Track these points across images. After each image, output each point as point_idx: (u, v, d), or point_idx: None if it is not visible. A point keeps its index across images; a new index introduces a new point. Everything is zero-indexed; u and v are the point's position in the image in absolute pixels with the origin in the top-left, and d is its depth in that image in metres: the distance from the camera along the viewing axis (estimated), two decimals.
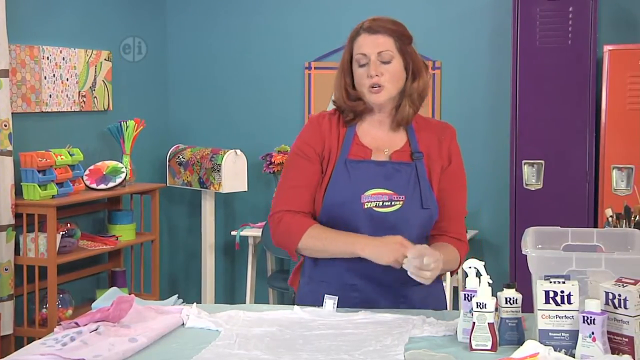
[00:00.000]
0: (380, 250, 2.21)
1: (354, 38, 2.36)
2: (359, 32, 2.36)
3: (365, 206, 2.31)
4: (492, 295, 2.00)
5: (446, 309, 2.45)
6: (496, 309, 2.00)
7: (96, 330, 2.05)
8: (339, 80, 2.40)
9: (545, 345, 1.88)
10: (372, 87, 2.32)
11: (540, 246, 2.15)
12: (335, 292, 2.30)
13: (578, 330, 1.86)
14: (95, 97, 4.83)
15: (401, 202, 2.32)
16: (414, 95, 2.36)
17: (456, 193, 2.41)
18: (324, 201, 2.35)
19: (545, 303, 1.92)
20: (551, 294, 1.91)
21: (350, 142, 2.38)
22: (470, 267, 2.08)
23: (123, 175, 4.62)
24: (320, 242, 2.31)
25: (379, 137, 2.40)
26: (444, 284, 2.52)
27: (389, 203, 2.32)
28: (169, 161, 5.30)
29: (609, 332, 1.85)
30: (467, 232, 2.50)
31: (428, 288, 2.28)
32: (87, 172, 4.57)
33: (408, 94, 2.36)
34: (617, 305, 1.84)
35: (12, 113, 4.06)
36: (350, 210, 2.32)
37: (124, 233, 4.71)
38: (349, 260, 2.32)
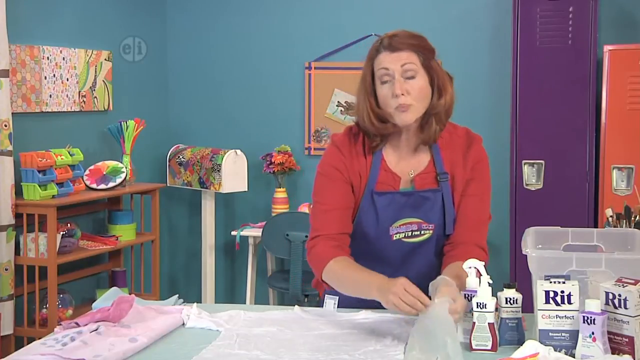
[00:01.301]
0: (385, 297, 2.04)
1: (374, 56, 2.26)
2: (379, 50, 2.25)
3: (394, 238, 2.29)
4: (492, 295, 2.00)
5: None
6: (496, 309, 2.00)
7: (96, 330, 2.05)
8: (363, 102, 2.28)
9: (545, 345, 1.88)
10: (399, 106, 2.22)
11: (540, 246, 2.15)
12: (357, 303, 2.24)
13: (578, 330, 1.86)
14: (95, 97, 4.83)
15: (431, 231, 2.30)
16: (441, 113, 2.27)
17: (478, 200, 2.36)
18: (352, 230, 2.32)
19: (545, 303, 1.92)
20: (551, 294, 1.91)
21: (378, 168, 2.30)
22: (470, 267, 2.08)
23: (123, 175, 4.62)
24: (337, 281, 2.23)
25: (403, 158, 2.33)
26: None
27: (419, 232, 2.29)
28: (169, 161, 5.30)
29: (609, 332, 1.85)
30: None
31: None
32: (87, 172, 4.57)
33: (434, 112, 2.26)
34: (617, 305, 1.84)
35: (12, 113, 4.06)
36: (379, 242, 2.30)
37: (124, 233, 4.70)
38: None
